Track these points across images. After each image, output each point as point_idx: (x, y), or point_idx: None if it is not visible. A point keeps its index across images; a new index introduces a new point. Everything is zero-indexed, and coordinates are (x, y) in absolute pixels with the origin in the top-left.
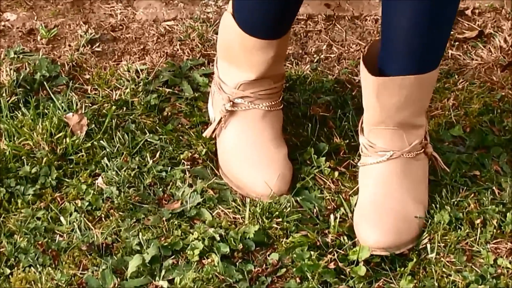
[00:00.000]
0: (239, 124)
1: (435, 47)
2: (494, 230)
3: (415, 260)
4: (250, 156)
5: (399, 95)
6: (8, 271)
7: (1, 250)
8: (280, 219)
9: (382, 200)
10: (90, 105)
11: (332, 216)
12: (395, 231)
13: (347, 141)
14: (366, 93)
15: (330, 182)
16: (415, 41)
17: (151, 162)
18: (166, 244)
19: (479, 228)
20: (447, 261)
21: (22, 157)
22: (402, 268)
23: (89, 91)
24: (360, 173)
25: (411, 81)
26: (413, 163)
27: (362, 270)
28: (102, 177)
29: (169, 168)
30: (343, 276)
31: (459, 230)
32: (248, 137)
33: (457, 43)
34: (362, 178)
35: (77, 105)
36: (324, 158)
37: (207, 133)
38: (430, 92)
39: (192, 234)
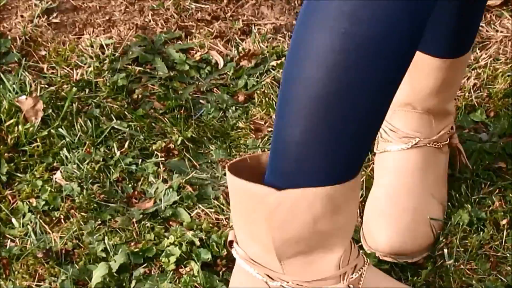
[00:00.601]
0: None
1: (474, 27)
2: None
3: (430, 267)
4: None
5: (435, 78)
6: None
7: None
8: None
9: (400, 195)
10: (46, 86)
11: None
12: (412, 234)
13: None
14: None
15: None
16: (459, 23)
17: (118, 153)
18: (136, 250)
19: (505, 230)
20: (468, 269)
21: None
22: (415, 278)
23: (45, 70)
24: (377, 162)
25: (449, 65)
26: (437, 155)
27: None
28: (61, 172)
29: (140, 160)
30: None
31: (481, 232)
32: None
33: None
34: (379, 167)
35: (31, 86)
36: None
37: None
38: (463, 75)
39: (167, 238)
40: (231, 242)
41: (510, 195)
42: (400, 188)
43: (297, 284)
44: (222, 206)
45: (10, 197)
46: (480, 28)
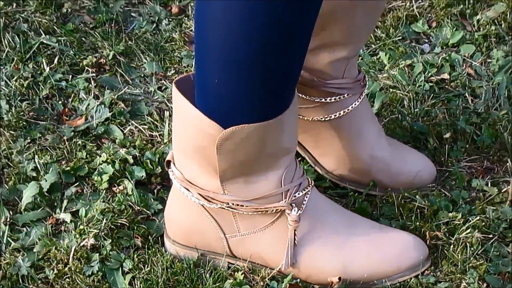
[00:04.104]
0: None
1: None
2: (467, 146)
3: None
4: None
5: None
6: None
7: None
8: None
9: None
10: None
11: None
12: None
13: None
14: None
15: None
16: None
17: (48, 69)
18: (68, 168)
19: (447, 144)
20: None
21: None
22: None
23: None
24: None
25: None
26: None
27: None
28: None
29: (70, 76)
30: None
31: (424, 147)
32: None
33: None
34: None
35: None
36: None
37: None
38: None
39: (100, 156)
40: (168, 162)
41: (454, 107)
42: None
43: (238, 205)
44: (156, 122)
45: None
46: None
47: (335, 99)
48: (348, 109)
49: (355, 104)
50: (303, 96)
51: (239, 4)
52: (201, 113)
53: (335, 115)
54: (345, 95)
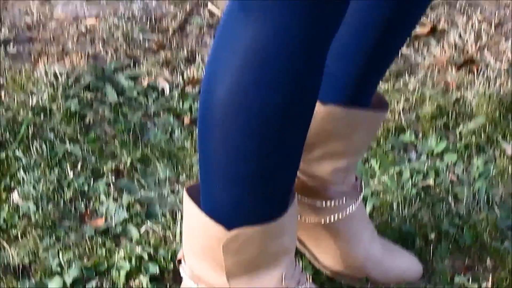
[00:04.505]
0: None
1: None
2: (450, 246)
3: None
4: None
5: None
6: None
7: None
8: None
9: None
10: (3, 112)
11: None
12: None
13: None
14: None
15: None
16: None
17: (71, 174)
18: (89, 264)
19: (432, 243)
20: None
21: None
22: None
23: (2, 97)
24: None
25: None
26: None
27: None
28: (18, 192)
29: (92, 180)
30: None
31: (411, 247)
32: None
33: (407, 40)
34: None
35: None
36: None
37: None
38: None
39: (118, 253)
40: (180, 260)
41: (438, 210)
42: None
43: None
44: (168, 223)
45: None
46: (408, 55)
47: (334, 203)
48: (346, 213)
49: (352, 208)
50: (305, 199)
51: (233, 117)
52: (207, 218)
53: (334, 218)
54: (344, 200)
